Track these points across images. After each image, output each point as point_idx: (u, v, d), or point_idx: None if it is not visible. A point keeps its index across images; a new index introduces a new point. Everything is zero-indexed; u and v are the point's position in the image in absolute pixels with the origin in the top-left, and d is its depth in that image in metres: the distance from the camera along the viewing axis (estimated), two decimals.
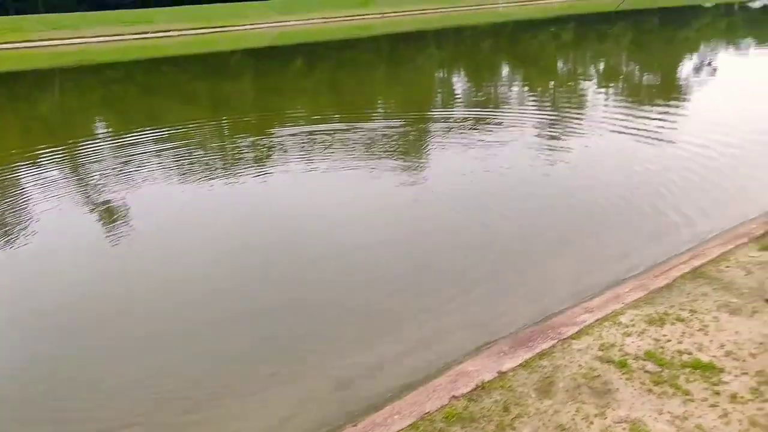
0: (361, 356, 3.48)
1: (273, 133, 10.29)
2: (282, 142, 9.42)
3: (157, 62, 32.32)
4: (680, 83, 13.82)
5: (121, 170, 8.14)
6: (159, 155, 8.94)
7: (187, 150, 9.35)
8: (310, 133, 9.88)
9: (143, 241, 5.57)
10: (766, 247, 3.96)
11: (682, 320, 3.18)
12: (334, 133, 9.70)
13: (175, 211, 6.42)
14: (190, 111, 14.47)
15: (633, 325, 3.18)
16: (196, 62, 31.52)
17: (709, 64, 17.10)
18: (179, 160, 8.56)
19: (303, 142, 9.23)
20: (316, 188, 6.85)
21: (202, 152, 9.16)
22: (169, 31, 51.66)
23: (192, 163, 8.35)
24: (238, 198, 6.79)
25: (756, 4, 44.61)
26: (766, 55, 17.86)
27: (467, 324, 3.69)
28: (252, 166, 8.04)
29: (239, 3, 66.32)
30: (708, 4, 49.46)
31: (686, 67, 16.70)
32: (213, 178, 7.52)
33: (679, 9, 46.53)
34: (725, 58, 18.60)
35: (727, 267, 3.73)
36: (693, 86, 13.11)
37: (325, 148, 8.73)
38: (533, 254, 4.63)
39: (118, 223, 6.18)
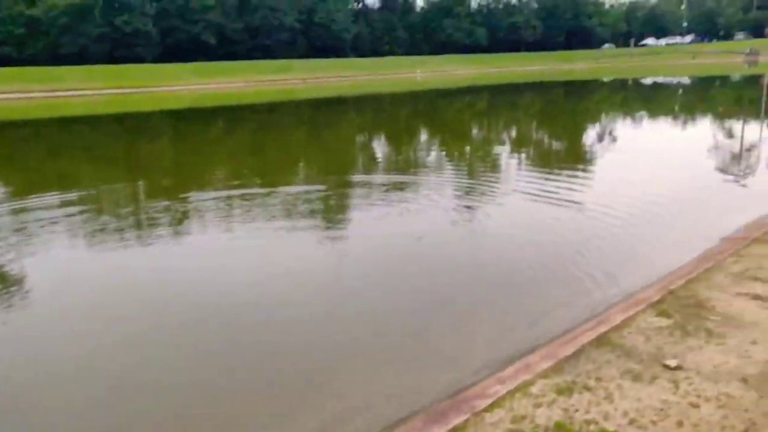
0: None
1: (191, 197, 10.06)
2: (200, 207, 9.20)
3: (68, 121, 31.21)
4: (585, 151, 14.75)
5: (19, 238, 7.62)
6: (64, 220, 8.47)
7: (97, 215, 8.95)
8: (229, 197, 9.73)
9: (40, 320, 5.17)
10: (662, 312, 4.18)
11: (589, 389, 3.27)
12: (254, 197, 9.61)
13: (81, 286, 6.02)
14: (103, 173, 13.95)
15: (543, 396, 3.23)
16: (112, 122, 30.69)
17: (610, 133, 18.44)
18: (86, 226, 8.15)
19: (221, 207, 9.07)
20: (234, 254, 6.69)
21: (112, 217, 8.78)
22: (82, 90, 50.22)
23: (101, 230, 7.95)
24: (151, 267, 6.48)
25: (647, 81, 48.90)
26: (657, 126, 19.46)
27: (380, 398, 3.62)
28: (167, 232, 7.76)
29: (157, 65, 65.84)
30: (606, 79, 53.71)
31: (589, 136, 17.88)
32: (125, 246, 7.19)
33: (582, 82, 50.26)
34: (623, 128, 20.12)
35: (629, 333, 3.90)
36: (596, 153, 14.05)
37: (245, 212, 8.61)
38: (446, 323, 4.66)
39: (11, 300, 5.68)
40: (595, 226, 6.91)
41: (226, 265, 6.27)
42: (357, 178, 11.76)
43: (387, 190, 9.89)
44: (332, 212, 8.69)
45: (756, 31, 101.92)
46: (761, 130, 16.69)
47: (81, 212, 9.09)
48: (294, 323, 4.76)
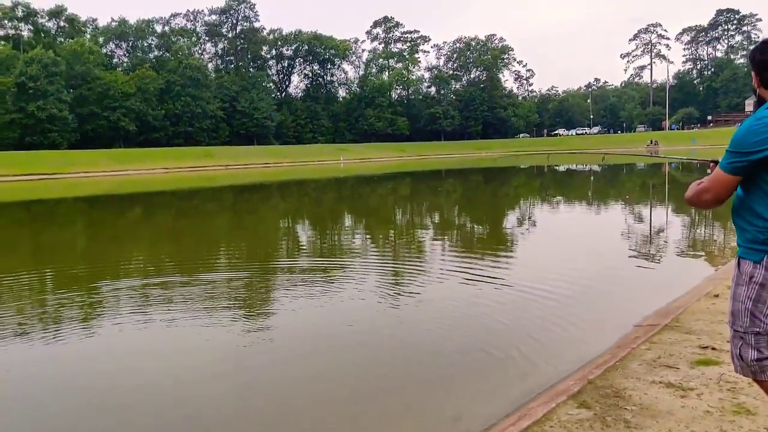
0: None
1: (104, 286, 9.50)
2: (115, 296, 8.69)
3: None
4: (507, 233, 15.26)
5: None
6: None
7: None
8: (147, 285, 9.27)
9: None
10: (582, 404, 4.18)
11: None
12: (173, 286, 9.19)
13: None
14: (5, 262, 13.02)
15: None
16: (18, 209, 29.14)
17: (529, 217, 19.25)
18: None
19: (138, 295, 8.59)
20: (153, 344, 6.28)
21: (15, 311, 8.11)
22: None
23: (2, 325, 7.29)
24: (61, 363, 5.97)
25: (561, 168, 52.08)
26: (572, 210, 20.53)
27: None
28: (78, 325, 7.22)
29: (72, 151, 64.11)
30: (523, 166, 56.75)
31: (510, 220, 18.58)
32: (30, 341, 6.61)
33: (500, 169, 52.83)
34: (542, 211, 21.10)
35: (551, 427, 3.84)
36: (518, 236, 14.56)
37: (164, 302, 8.18)
38: (366, 418, 4.48)
39: None
40: (518, 309, 7.03)
41: (152, 350, 5.85)
42: (281, 263, 11.56)
43: (313, 276, 9.74)
44: (262, 300, 8.41)
45: (654, 124, 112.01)
46: (667, 215, 17.92)
47: None
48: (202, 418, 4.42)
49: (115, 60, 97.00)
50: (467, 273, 9.50)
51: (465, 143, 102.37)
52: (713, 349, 5.15)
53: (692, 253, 11.22)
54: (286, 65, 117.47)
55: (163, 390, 5.24)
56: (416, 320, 7.01)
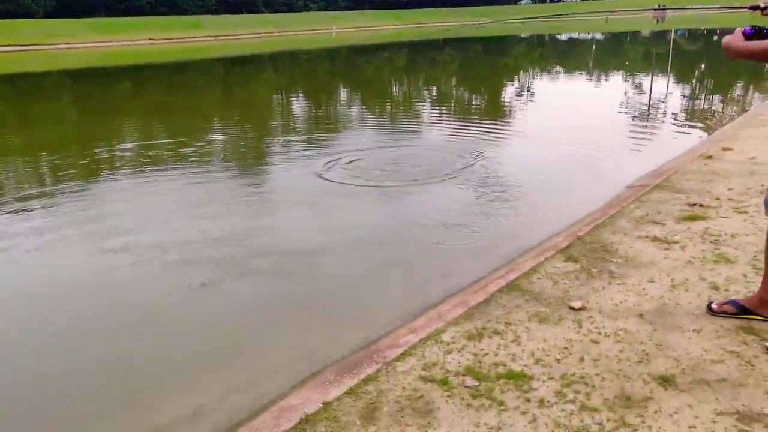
0: (180, 402, 3.21)
1: (102, 152, 9.48)
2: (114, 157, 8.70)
3: None
4: (504, 103, 15.03)
5: None
6: None
7: None
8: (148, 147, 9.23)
9: None
10: (570, 257, 4.31)
11: (498, 333, 3.33)
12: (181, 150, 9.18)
13: None
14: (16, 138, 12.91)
15: (454, 342, 3.26)
16: (2, 83, 28.33)
17: (528, 88, 18.86)
18: None
19: (141, 157, 8.61)
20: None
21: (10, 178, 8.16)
22: None
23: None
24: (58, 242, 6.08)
25: (563, 37, 50.23)
26: (572, 81, 20.08)
27: (293, 356, 3.56)
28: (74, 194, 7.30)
29: (51, 20, 60.76)
30: (524, 35, 54.69)
31: (508, 90, 18.22)
32: (27, 210, 6.70)
33: (500, 38, 50.90)
34: (541, 82, 20.65)
35: (538, 279, 4.00)
36: (516, 107, 14.36)
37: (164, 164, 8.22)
38: (359, 279, 4.64)
39: None
40: (514, 173, 7.12)
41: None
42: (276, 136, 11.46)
43: (316, 145, 9.71)
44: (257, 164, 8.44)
45: None
46: (668, 85, 17.55)
47: None
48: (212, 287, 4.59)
49: None
50: (462, 137, 9.46)
51: (466, 9, 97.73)
52: (701, 206, 5.24)
53: (690, 120, 11.10)
54: None
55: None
56: (411, 178, 7.06)
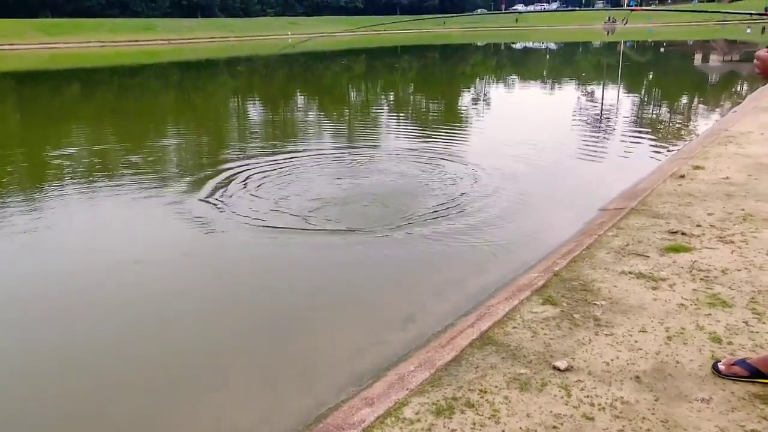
0: None
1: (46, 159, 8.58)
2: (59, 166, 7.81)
3: None
4: (461, 112, 14.61)
5: None
6: None
7: None
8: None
9: None
10: (548, 299, 3.79)
11: (472, 406, 2.76)
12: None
13: None
14: None
15: (419, 420, 2.68)
16: None
17: (485, 96, 18.56)
18: None
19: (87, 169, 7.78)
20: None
21: None
22: None
23: None
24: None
25: (518, 46, 50.69)
26: (528, 89, 19.90)
27: None
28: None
29: None
30: (480, 43, 54.98)
31: (465, 98, 17.85)
32: None
33: (457, 46, 51.01)
34: (497, 90, 20.40)
35: (514, 328, 3.45)
36: (472, 114, 13.95)
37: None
38: (305, 328, 3.99)
39: None
40: (472, 194, 6.53)
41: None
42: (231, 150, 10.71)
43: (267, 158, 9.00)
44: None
45: (613, 1, 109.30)
46: (619, 95, 17.48)
47: None
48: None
49: None
50: (420, 156, 8.92)
51: (422, 18, 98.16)
52: (683, 234, 4.81)
53: (652, 133, 10.87)
54: None
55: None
56: (361, 202, 6.46)
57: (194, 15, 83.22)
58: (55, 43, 52.77)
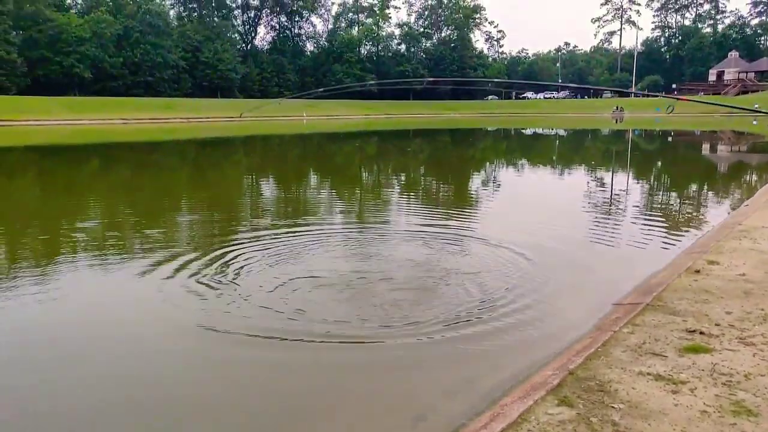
0: None
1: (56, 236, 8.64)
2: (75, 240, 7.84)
3: None
4: (472, 195, 14.74)
5: None
6: None
7: None
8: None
9: None
10: (564, 400, 3.66)
11: None
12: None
13: None
14: None
15: None
16: None
17: (494, 180, 18.79)
18: None
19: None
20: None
21: None
22: None
23: None
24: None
25: (527, 131, 51.91)
26: (539, 175, 20.15)
27: None
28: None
29: (23, 97, 60.71)
30: (490, 128, 56.38)
31: (476, 182, 18.07)
32: None
33: (467, 130, 52.28)
34: (507, 174, 20.67)
35: (529, 431, 3.32)
36: (483, 197, 14.07)
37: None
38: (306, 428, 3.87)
39: None
40: (481, 286, 6.45)
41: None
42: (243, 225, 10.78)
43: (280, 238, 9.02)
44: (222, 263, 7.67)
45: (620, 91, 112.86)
46: (628, 183, 17.62)
47: None
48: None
49: (68, 1, 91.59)
50: (428, 251, 8.91)
51: (434, 103, 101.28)
52: (701, 333, 4.69)
53: (664, 223, 10.85)
54: (252, 15, 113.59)
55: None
56: (368, 293, 6.39)
57: (214, 95, 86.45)
58: (80, 120, 54.70)
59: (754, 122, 57.07)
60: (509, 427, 3.35)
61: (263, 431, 3.75)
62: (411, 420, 3.75)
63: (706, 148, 33.78)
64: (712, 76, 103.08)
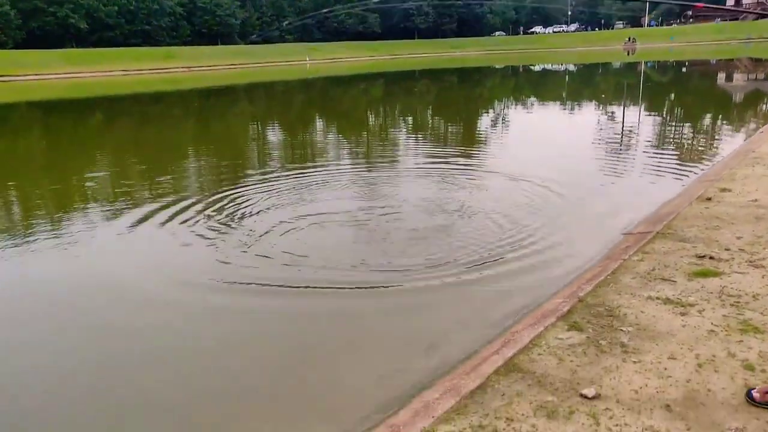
0: None
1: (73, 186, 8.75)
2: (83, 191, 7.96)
3: None
4: (481, 138, 14.62)
5: None
6: None
7: None
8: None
9: None
10: (573, 325, 3.74)
11: None
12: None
13: None
14: None
15: None
16: None
17: (504, 121, 18.56)
18: None
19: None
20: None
21: None
22: None
23: None
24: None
25: (536, 68, 50.80)
26: (548, 111, 19.87)
27: None
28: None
29: (20, 51, 59.55)
30: (498, 66, 55.23)
31: (485, 123, 17.87)
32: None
33: (475, 69, 51.23)
34: (516, 114, 20.41)
35: (539, 355, 3.41)
36: (492, 142, 13.94)
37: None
38: (322, 356, 3.98)
39: None
40: (494, 219, 6.49)
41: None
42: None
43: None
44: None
45: (633, 21, 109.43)
46: (640, 116, 17.36)
47: None
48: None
49: None
50: (441, 184, 8.90)
51: (439, 41, 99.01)
52: (711, 258, 4.73)
53: (676, 154, 10.75)
54: None
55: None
56: (384, 231, 6.46)
57: (214, 43, 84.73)
58: (80, 72, 54.08)
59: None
60: (520, 352, 3.45)
61: (290, 365, 3.87)
62: (424, 348, 3.85)
63: (721, 77, 33.00)
64: (730, 0, 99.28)
